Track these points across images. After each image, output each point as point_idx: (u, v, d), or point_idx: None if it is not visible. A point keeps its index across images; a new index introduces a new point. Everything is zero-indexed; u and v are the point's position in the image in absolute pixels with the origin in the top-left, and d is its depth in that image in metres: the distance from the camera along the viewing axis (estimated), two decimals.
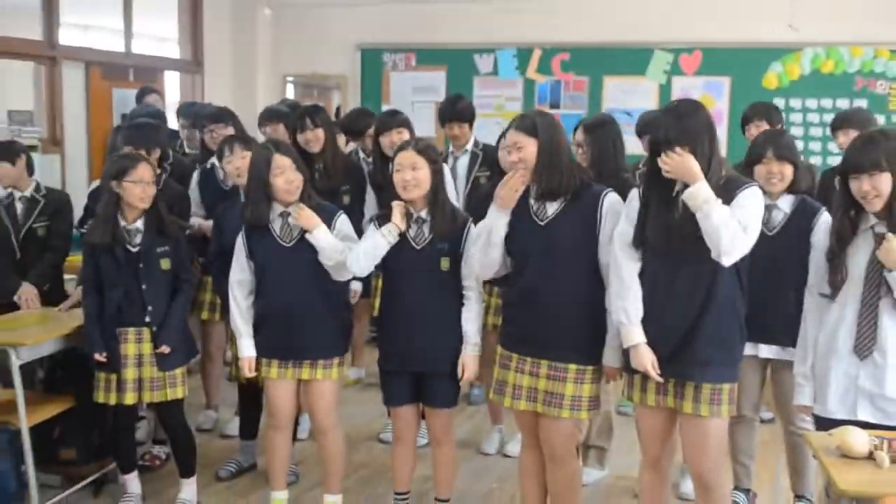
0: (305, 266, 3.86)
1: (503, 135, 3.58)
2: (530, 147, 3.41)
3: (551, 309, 3.45)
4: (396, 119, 4.97)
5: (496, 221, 3.47)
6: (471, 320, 3.79)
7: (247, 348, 4.00)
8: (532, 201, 3.48)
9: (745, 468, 4.30)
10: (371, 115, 5.88)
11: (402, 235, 3.75)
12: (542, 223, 3.46)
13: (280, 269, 3.91)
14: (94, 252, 4.12)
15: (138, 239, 4.08)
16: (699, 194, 3.02)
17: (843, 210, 3.14)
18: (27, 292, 4.70)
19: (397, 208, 3.70)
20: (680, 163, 3.05)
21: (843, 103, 7.36)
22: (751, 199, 3.15)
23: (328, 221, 3.92)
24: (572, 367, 3.46)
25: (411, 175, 3.68)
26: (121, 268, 4.06)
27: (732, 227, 3.01)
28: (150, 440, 4.73)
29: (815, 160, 7.52)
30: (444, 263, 3.74)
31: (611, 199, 3.44)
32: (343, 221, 4.00)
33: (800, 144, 7.73)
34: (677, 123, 3.15)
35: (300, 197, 3.89)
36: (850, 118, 5.05)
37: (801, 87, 7.81)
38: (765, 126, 5.04)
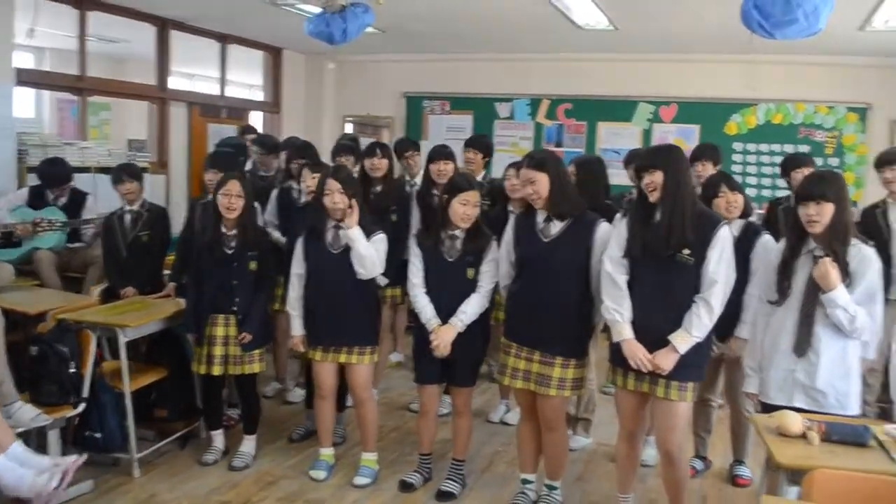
0: (346, 271, 3.81)
1: (508, 167, 3.53)
2: (543, 180, 3.37)
3: (545, 309, 3.40)
4: (444, 152, 4.90)
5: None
6: (471, 304, 3.66)
7: (297, 329, 3.98)
8: (540, 221, 3.43)
9: (702, 440, 4.25)
10: (412, 142, 5.79)
11: (437, 248, 3.71)
12: (545, 240, 3.41)
13: (326, 271, 3.87)
14: (199, 252, 4.11)
15: (234, 243, 4.07)
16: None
17: (792, 231, 3.08)
18: (129, 292, 4.73)
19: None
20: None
21: (789, 148, 7.22)
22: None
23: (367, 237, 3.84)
24: (559, 358, 3.42)
25: (472, 211, 3.65)
26: (217, 265, 4.05)
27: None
28: (226, 404, 4.70)
29: (767, 193, 7.46)
30: (470, 273, 3.69)
31: (603, 226, 3.39)
32: (379, 241, 3.88)
33: (753, 180, 7.70)
34: (656, 152, 3.26)
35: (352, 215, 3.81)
36: (805, 160, 4.80)
37: (756, 134, 7.73)
38: (710, 165, 4.69)
